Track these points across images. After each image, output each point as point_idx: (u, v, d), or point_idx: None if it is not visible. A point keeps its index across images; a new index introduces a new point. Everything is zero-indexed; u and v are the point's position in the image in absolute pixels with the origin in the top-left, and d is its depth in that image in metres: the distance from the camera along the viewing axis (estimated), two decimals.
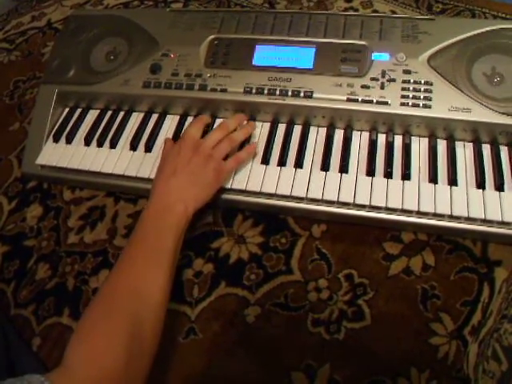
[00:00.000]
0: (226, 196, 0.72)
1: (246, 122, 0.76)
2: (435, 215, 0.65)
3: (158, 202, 0.65)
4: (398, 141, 0.72)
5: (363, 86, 0.72)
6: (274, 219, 0.73)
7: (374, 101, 0.70)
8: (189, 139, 0.70)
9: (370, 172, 0.68)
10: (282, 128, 0.76)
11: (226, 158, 0.70)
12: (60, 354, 0.68)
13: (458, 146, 0.70)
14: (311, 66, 0.75)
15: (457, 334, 0.61)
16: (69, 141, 0.82)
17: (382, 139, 0.72)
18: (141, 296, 0.57)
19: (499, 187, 0.65)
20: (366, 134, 0.73)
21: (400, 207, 0.65)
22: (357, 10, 0.98)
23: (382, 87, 0.71)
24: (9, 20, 1.24)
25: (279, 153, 0.73)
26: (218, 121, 0.79)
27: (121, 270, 0.60)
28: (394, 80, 0.71)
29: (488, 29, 0.73)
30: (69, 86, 0.85)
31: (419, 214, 0.65)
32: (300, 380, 0.61)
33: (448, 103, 0.68)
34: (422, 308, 0.63)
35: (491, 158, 0.68)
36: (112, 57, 0.86)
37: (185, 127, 0.79)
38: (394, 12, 0.95)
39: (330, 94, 0.72)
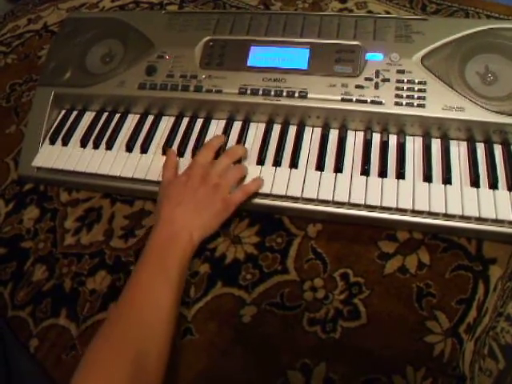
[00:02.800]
0: None
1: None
2: (430, 214, 0.65)
3: (164, 231, 0.64)
4: (393, 140, 0.72)
5: (357, 86, 0.72)
6: (269, 219, 0.74)
7: (369, 101, 0.71)
8: (198, 167, 0.69)
9: (365, 171, 0.69)
10: (276, 128, 0.76)
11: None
12: (57, 356, 0.69)
13: (452, 144, 0.70)
14: (306, 67, 0.75)
15: (452, 332, 0.61)
16: (65, 143, 0.83)
17: (376, 139, 0.72)
18: (146, 328, 0.56)
19: (493, 185, 0.65)
20: (360, 134, 0.73)
21: (395, 206, 0.65)
22: (351, 11, 0.98)
23: (376, 87, 0.71)
24: (5, 23, 1.25)
25: (274, 153, 0.73)
26: (214, 122, 0.79)
27: (126, 301, 0.59)
28: (387, 80, 0.72)
29: (481, 28, 0.74)
30: (65, 89, 0.85)
31: (414, 212, 0.66)
32: (296, 379, 0.61)
33: (442, 102, 0.69)
34: (417, 306, 0.63)
35: (485, 157, 0.69)
36: (108, 59, 0.86)
37: (180, 128, 0.80)
38: (388, 12, 0.96)
39: (324, 94, 0.73)
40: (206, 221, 0.67)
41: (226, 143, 0.76)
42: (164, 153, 0.77)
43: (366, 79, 0.72)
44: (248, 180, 0.71)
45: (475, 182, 0.66)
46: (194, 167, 0.70)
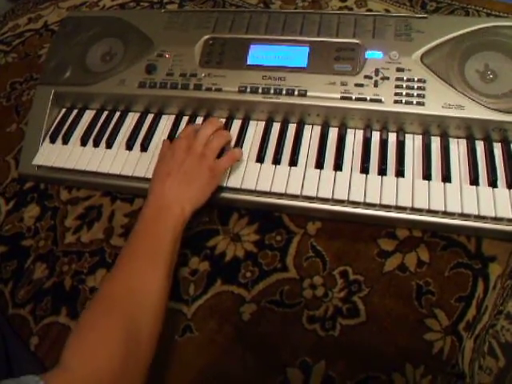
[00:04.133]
0: (221, 194, 0.72)
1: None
2: (429, 212, 0.65)
3: (155, 205, 0.65)
4: (392, 138, 0.72)
5: (357, 84, 0.72)
6: (269, 217, 0.74)
7: (368, 99, 0.71)
8: (182, 139, 0.70)
9: (364, 169, 0.69)
10: (276, 126, 0.76)
11: (219, 154, 0.71)
12: (58, 353, 0.68)
13: (452, 142, 0.70)
14: (305, 65, 0.75)
15: (451, 329, 0.61)
16: (65, 141, 0.83)
17: (376, 137, 0.72)
18: (138, 298, 0.57)
19: (493, 183, 0.65)
20: (360, 132, 0.73)
21: (394, 204, 0.65)
22: (351, 9, 0.98)
23: (376, 85, 0.71)
24: (5, 22, 1.25)
25: (274, 151, 0.73)
26: None
27: (118, 272, 0.60)
28: (387, 78, 0.72)
29: (481, 26, 0.74)
30: (65, 87, 0.86)
31: (413, 210, 0.66)
32: (296, 376, 0.61)
33: (441, 100, 0.69)
34: (416, 304, 0.64)
35: (485, 155, 0.68)
36: (108, 57, 0.86)
37: (180, 127, 0.80)
38: (387, 11, 0.96)
39: (324, 92, 0.73)
40: (196, 191, 0.67)
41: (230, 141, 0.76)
42: None
43: (366, 77, 0.72)
44: (246, 177, 0.71)
45: (475, 180, 0.66)
46: (178, 140, 0.71)
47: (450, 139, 0.70)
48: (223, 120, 0.79)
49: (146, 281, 0.58)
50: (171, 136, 0.79)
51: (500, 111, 0.67)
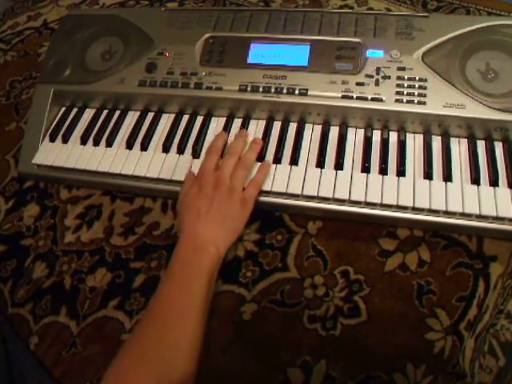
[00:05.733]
0: None
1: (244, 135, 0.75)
2: (430, 211, 0.65)
3: (187, 247, 0.63)
4: (393, 137, 0.72)
5: (358, 83, 0.72)
6: (269, 216, 0.74)
7: (369, 98, 0.71)
8: (206, 175, 0.68)
9: (365, 169, 0.69)
10: (277, 125, 0.76)
11: None
12: (57, 353, 0.69)
13: (453, 142, 0.70)
14: (306, 64, 0.75)
15: (452, 329, 0.61)
16: (65, 140, 0.82)
17: (377, 136, 0.72)
18: (171, 345, 0.55)
19: (494, 183, 0.65)
20: (360, 131, 0.73)
21: (395, 203, 0.65)
22: (352, 8, 0.98)
23: (377, 84, 0.71)
24: (4, 20, 1.24)
25: (274, 150, 0.73)
26: (214, 119, 0.79)
27: (151, 319, 0.58)
28: (388, 77, 0.71)
29: (482, 25, 0.73)
30: (65, 86, 0.85)
31: (414, 210, 0.65)
32: (296, 376, 0.61)
33: (442, 99, 0.69)
34: (417, 304, 0.64)
35: (486, 154, 0.68)
36: (108, 56, 0.86)
37: (180, 125, 0.80)
38: (388, 9, 0.96)
39: (324, 91, 0.72)
40: (228, 228, 0.65)
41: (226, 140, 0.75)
42: (164, 150, 0.77)
43: (367, 76, 0.72)
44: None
45: (476, 180, 0.66)
46: (204, 175, 0.68)
47: (451, 138, 0.70)
48: (223, 120, 0.79)
49: (180, 329, 0.56)
50: (170, 135, 0.78)
51: (501, 110, 0.67)
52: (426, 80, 0.70)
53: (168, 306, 0.58)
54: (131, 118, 0.83)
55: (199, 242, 0.63)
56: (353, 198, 0.67)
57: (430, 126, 0.70)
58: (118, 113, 0.84)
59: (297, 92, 0.73)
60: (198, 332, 0.57)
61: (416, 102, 0.69)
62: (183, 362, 0.54)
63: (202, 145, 0.77)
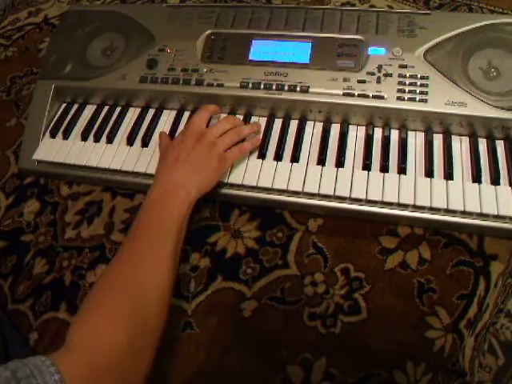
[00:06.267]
0: (222, 191, 0.72)
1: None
2: (431, 209, 0.65)
3: (161, 188, 0.65)
4: (395, 135, 0.72)
5: (359, 81, 0.72)
6: (270, 213, 0.73)
7: (371, 95, 0.70)
8: (194, 127, 0.70)
9: (367, 166, 0.68)
10: (278, 122, 0.76)
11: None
12: (57, 349, 0.69)
13: (454, 140, 0.70)
14: (308, 61, 0.75)
15: (453, 327, 0.61)
16: (66, 136, 0.82)
17: (378, 134, 0.72)
18: (144, 277, 0.57)
19: (495, 181, 0.65)
20: (362, 129, 0.73)
21: (396, 201, 0.65)
22: (354, 5, 0.98)
23: (379, 82, 0.71)
24: (5, 15, 1.24)
25: (275, 147, 0.73)
26: (215, 116, 0.78)
27: (124, 254, 0.60)
28: (390, 74, 0.71)
29: (484, 23, 0.73)
30: (66, 82, 0.85)
31: (415, 207, 0.65)
32: (296, 373, 0.61)
33: (444, 97, 0.68)
34: (418, 302, 0.63)
35: (487, 152, 0.68)
36: (109, 52, 0.85)
37: (181, 122, 0.80)
38: (390, 7, 0.95)
39: (326, 88, 0.72)
40: (202, 178, 0.67)
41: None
42: None
43: (368, 74, 0.72)
44: (248, 173, 0.71)
45: (477, 178, 0.66)
46: (190, 127, 0.71)
47: (453, 137, 0.70)
48: (225, 116, 0.78)
49: (153, 261, 0.58)
50: (172, 132, 0.78)
51: (503, 109, 0.67)
52: (427, 78, 0.70)
53: (141, 243, 0.60)
54: (132, 114, 0.83)
55: (171, 185, 0.65)
56: (353, 195, 0.66)
57: (432, 123, 0.70)
58: (118, 109, 0.84)
59: (298, 89, 0.73)
60: (171, 269, 0.59)
61: (417, 99, 0.69)
62: (157, 291, 0.56)
63: None
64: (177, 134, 0.78)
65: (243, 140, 0.73)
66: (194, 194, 0.65)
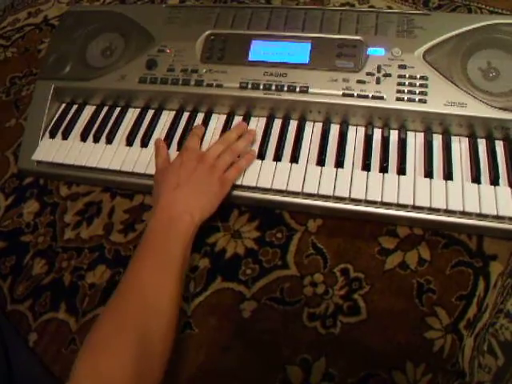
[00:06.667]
0: None
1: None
2: (431, 210, 0.65)
3: (164, 214, 0.64)
4: (394, 136, 0.72)
5: (359, 81, 0.72)
6: (269, 214, 0.73)
7: (370, 96, 0.70)
8: (191, 150, 0.70)
9: (366, 167, 0.68)
10: (277, 123, 0.76)
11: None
12: (56, 349, 0.69)
13: (454, 140, 0.70)
14: (307, 61, 0.75)
15: (452, 328, 0.61)
16: (65, 136, 0.82)
17: (377, 134, 0.72)
18: (149, 308, 0.56)
19: (494, 181, 0.65)
20: (361, 129, 0.73)
21: (395, 202, 0.65)
22: (353, 6, 0.98)
23: (378, 82, 0.71)
24: (5, 16, 1.24)
25: (275, 148, 0.73)
26: (214, 116, 0.79)
27: (128, 282, 0.59)
28: (389, 75, 0.71)
29: (484, 24, 0.73)
30: (65, 82, 0.85)
31: (415, 208, 0.65)
32: (296, 374, 0.61)
33: (443, 98, 0.68)
34: (417, 302, 0.63)
35: (487, 153, 0.68)
36: (108, 52, 0.86)
37: (181, 122, 0.80)
38: (390, 7, 0.95)
39: (325, 89, 0.72)
40: (205, 202, 0.67)
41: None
42: None
43: (368, 74, 0.72)
44: (247, 173, 0.71)
45: (476, 178, 0.66)
46: (187, 151, 0.70)
47: (452, 137, 0.70)
48: (224, 117, 0.79)
49: (157, 290, 0.57)
50: (171, 132, 0.78)
51: (502, 109, 0.67)
52: (427, 78, 0.70)
53: (145, 272, 0.59)
54: (131, 114, 0.83)
55: (175, 211, 0.64)
56: (353, 196, 0.66)
57: (431, 124, 0.70)
58: (118, 109, 0.84)
59: (297, 89, 0.73)
60: (176, 296, 0.58)
61: (417, 100, 0.69)
62: (162, 324, 0.56)
63: (202, 142, 0.76)
64: (176, 133, 0.78)
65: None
66: (197, 218, 0.64)
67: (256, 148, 0.73)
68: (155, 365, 0.53)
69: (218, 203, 0.68)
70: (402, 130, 0.72)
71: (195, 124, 0.79)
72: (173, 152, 0.76)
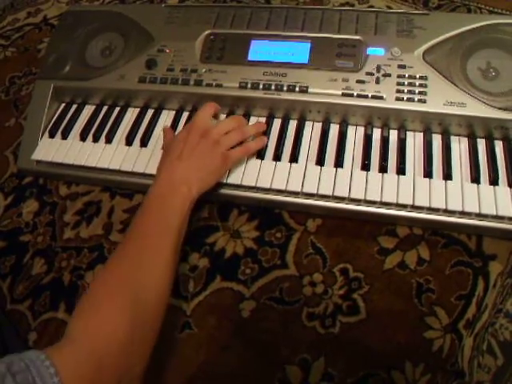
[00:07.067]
0: (221, 191, 0.72)
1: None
2: (430, 209, 0.65)
3: (163, 184, 0.65)
4: (394, 135, 0.72)
5: (358, 81, 0.72)
6: (269, 214, 0.73)
7: (369, 95, 0.70)
8: (198, 123, 0.70)
9: (365, 166, 0.68)
10: (277, 123, 0.76)
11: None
12: None
13: (453, 140, 0.70)
14: (306, 61, 0.75)
15: (451, 327, 0.61)
16: (64, 136, 0.82)
17: (377, 134, 0.72)
18: (145, 271, 0.57)
19: (494, 181, 0.65)
20: (361, 129, 0.73)
21: (395, 201, 0.65)
22: (353, 6, 0.98)
23: (377, 82, 0.71)
24: (4, 16, 1.24)
25: (274, 147, 0.73)
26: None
27: (125, 247, 0.60)
28: (389, 75, 0.71)
29: (483, 24, 0.73)
30: (65, 82, 0.85)
31: (414, 208, 0.65)
32: (295, 374, 0.61)
33: (443, 98, 0.68)
34: (416, 302, 0.63)
35: (486, 153, 0.68)
36: (108, 52, 0.86)
37: (180, 122, 0.80)
38: (389, 7, 0.95)
39: (325, 88, 0.72)
40: (204, 175, 0.67)
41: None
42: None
43: (367, 74, 0.72)
44: (247, 173, 0.71)
45: (476, 178, 0.66)
46: (194, 122, 0.70)
47: (452, 137, 0.70)
48: (223, 117, 0.78)
49: (153, 251, 0.59)
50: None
51: (502, 109, 0.67)
52: (426, 78, 0.70)
53: (142, 237, 0.60)
54: (131, 114, 0.83)
55: (174, 181, 0.65)
56: (352, 195, 0.67)
57: (431, 124, 0.70)
58: (117, 109, 0.84)
59: (297, 89, 0.73)
60: (171, 263, 0.59)
61: (416, 100, 0.69)
62: (157, 285, 0.57)
63: None
64: (176, 133, 0.78)
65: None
66: (195, 191, 0.65)
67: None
68: (147, 330, 0.54)
69: (218, 178, 0.69)
70: (402, 129, 0.72)
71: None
72: None
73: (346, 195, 0.67)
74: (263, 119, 0.77)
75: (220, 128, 0.70)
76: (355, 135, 0.73)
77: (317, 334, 0.63)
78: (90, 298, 0.55)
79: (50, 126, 0.84)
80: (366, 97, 0.71)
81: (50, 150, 0.81)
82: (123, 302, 0.53)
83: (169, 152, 0.69)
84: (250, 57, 0.77)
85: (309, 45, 0.76)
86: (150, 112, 0.82)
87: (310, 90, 0.73)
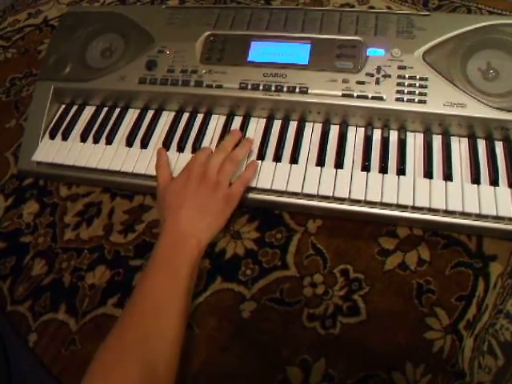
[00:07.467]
0: None
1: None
2: (430, 210, 0.65)
3: (169, 238, 0.63)
4: (394, 136, 0.72)
5: (358, 82, 0.72)
6: (269, 215, 0.73)
7: (370, 96, 0.70)
8: (195, 167, 0.68)
9: (366, 167, 0.68)
10: (277, 124, 0.76)
11: None
12: (56, 350, 0.69)
13: (453, 141, 0.70)
14: (306, 62, 0.75)
15: (452, 328, 0.61)
16: (65, 137, 0.82)
17: (377, 135, 0.72)
18: (154, 336, 0.55)
19: (494, 182, 0.65)
20: (361, 130, 0.73)
21: (395, 202, 0.65)
22: (353, 6, 0.98)
23: (378, 83, 0.71)
24: (5, 17, 1.24)
25: (275, 148, 0.73)
26: (214, 117, 0.79)
27: (133, 308, 0.58)
28: (389, 76, 0.71)
29: (483, 24, 0.73)
30: (65, 83, 0.85)
31: (414, 209, 0.65)
32: (295, 375, 0.61)
33: (443, 98, 0.68)
34: (417, 303, 0.63)
35: (486, 153, 0.68)
36: (108, 53, 0.86)
37: (180, 123, 0.80)
38: (389, 8, 0.96)
39: (325, 89, 0.72)
40: (211, 222, 0.65)
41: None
42: (164, 148, 0.77)
43: (367, 75, 0.72)
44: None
45: (476, 179, 0.66)
46: (193, 167, 0.68)
47: (452, 137, 0.70)
48: (223, 118, 0.79)
49: (162, 318, 0.57)
50: (170, 133, 0.78)
51: (502, 110, 0.67)
52: (426, 79, 0.70)
53: (151, 297, 0.58)
54: (131, 115, 0.83)
55: (181, 235, 0.63)
56: (353, 196, 0.66)
57: (431, 124, 0.70)
58: (118, 110, 0.84)
59: (297, 90, 0.73)
60: (181, 321, 0.57)
61: (416, 100, 0.69)
62: (167, 349, 0.55)
63: (202, 143, 0.76)
64: (176, 134, 0.78)
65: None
66: (203, 240, 0.64)
67: (256, 148, 0.73)
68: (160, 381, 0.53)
69: (225, 220, 0.67)
70: (402, 130, 0.72)
71: (195, 125, 0.79)
72: (173, 153, 0.76)
73: (347, 196, 0.67)
74: (263, 120, 0.77)
75: (213, 164, 0.67)
76: (355, 136, 0.73)
77: (317, 334, 0.63)
78: (99, 368, 0.53)
79: (50, 127, 0.84)
80: (366, 98, 0.71)
81: (51, 152, 0.81)
82: (132, 376, 0.52)
83: (170, 202, 0.66)
84: (250, 58, 0.77)
85: (309, 46, 0.76)
86: (151, 113, 0.82)
87: (310, 90, 0.73)
